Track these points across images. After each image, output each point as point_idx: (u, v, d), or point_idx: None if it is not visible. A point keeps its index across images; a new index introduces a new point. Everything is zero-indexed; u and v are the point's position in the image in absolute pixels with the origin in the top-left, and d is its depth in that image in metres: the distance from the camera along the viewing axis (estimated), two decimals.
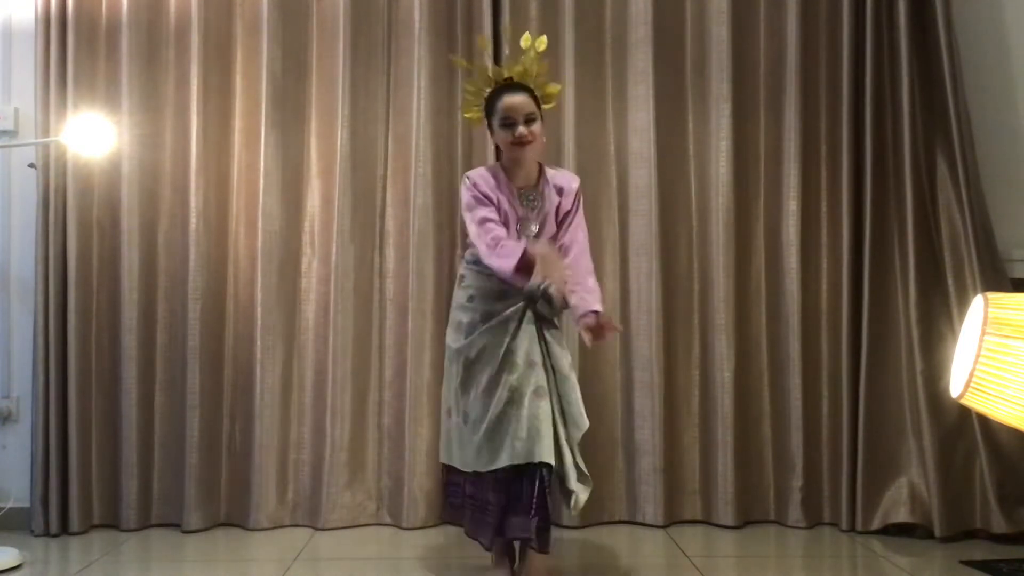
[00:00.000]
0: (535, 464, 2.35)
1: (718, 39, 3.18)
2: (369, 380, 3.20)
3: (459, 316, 2.52)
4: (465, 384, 2.46)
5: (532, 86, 2.53)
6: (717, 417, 3.15)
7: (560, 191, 2.55)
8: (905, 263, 3.06)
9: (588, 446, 3.14)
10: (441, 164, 3.20)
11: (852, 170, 3.11)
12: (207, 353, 3.13)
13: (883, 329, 3.07)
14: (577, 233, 2.55)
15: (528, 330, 2.44)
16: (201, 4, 3.13)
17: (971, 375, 2.00)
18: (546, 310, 2.47)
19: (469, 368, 2.45)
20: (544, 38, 2.58)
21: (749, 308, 3.21)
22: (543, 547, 2.42)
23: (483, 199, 2.48)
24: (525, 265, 2.31)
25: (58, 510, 3.04)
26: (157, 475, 3.15)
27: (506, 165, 2.57)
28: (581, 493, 2.43)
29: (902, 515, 3.01)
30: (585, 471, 2.47)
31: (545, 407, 2.39)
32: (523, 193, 2.54)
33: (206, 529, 3.11)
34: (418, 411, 3.12)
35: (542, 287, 2.40)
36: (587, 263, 2.52)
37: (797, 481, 3.14)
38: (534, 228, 2.54)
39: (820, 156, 3.19)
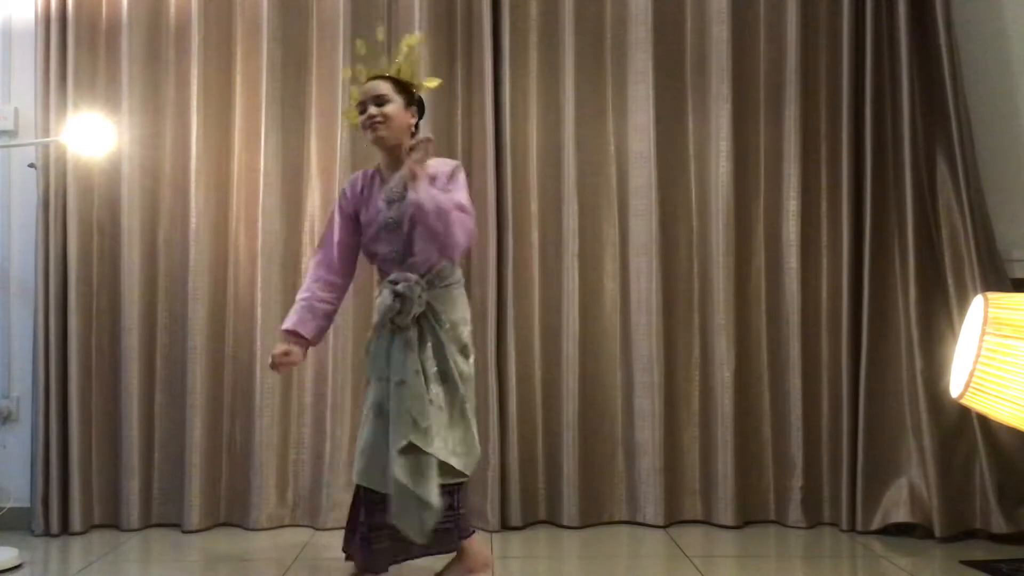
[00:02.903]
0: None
1: (718, 39, 3.18)
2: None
3: None
4: None
5: (397, 77, 2.45)
6: (717, 417, 3.15)
7: (434, 180, 2.34)
8: (905, 263, 3.06)
9: (589, 446, 3.16)
10: None
11: (852, 170, 3.11)
12: (207, 353, 3.14)
13: (883, 329, 3.07)
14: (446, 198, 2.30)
15: (385, 343, 2.36)
16: (201, 4, 3.13)
17: (971, 375, 2.00)
18: (396, 318, 2.32)
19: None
20: (417, 35, 2.56)
21: (749, 308, 3.21)
22: (366, 566, 2.39)
23: (334, 218, 2.52)
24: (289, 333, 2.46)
25: (58, 510, 3.04)
26: (157, 475, 3.15)
27: (382, 163, 2.50)
28: (405, 529, 2.24)
29: (902, 515, 3.01)
30: (422, 496, 2.23)
31: (375, 427, 2.32)
32: (391, 192, 2.42)
33: (206, 529, 3.12)
34: None
35: (395, 289, 2.31)
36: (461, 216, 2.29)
37: (797, 481, 3.14)
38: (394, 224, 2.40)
39: (820, 156, 3.19)
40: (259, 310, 3.13)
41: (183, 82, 3.17)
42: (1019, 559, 2.75)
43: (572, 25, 3.19)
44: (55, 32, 3.08)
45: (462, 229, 2.30)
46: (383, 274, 2.47)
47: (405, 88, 2.46)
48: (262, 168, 3.15)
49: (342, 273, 2.52)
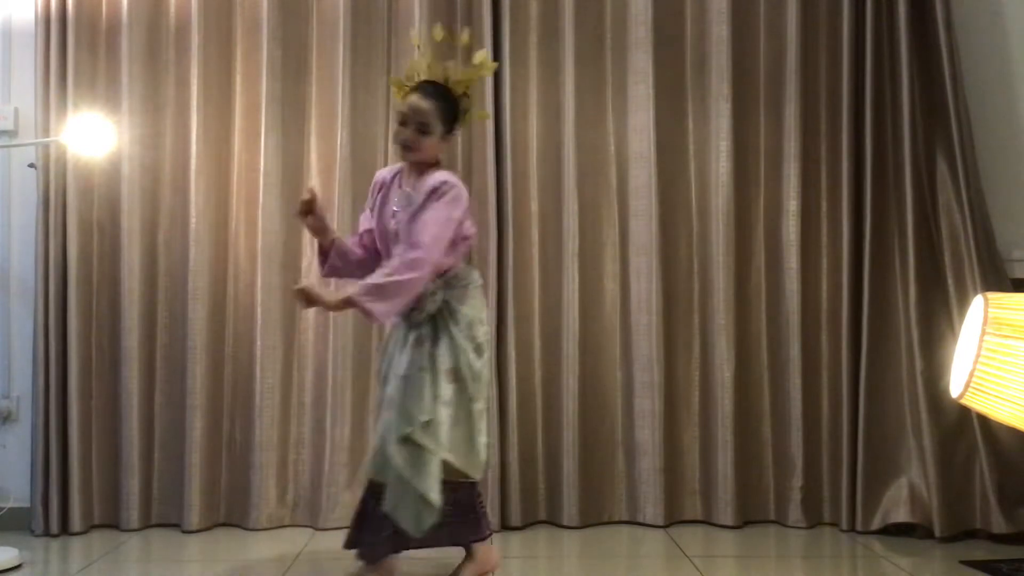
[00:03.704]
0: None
1: (718, 39, 3.18)
2: (369, 380, 3.19)
3: None
4: None
5: (456, 94, 2.41)
6: (717, 417, 3.15)
7: (408, 197, 2.42)
8: (905, 263, 3.06)
9: (589, 446, 3.16)
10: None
11: (852, 170, 3.12)
12: (207, 353, 3.13)
13: (883, 329, 3.08)
14: (412, 226, 2.31)
15: (401, 339, 2.41)
16: (201, 4, 3.13)
17: (971, 375, 2.01)
18: (411, 314, 2.36)
19: None
20: (487, 61, 2.50)
21: (749, 308, 3.21)
22: (368, 558, 2.40)
23: (368, 203, 2.56)
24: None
25: (58, 510, 3.04)
26: (157, 475, 3.15)
27: (405, 166, 2.48)
28: (400, 520, 2.26)
29: (902, 515, 3.01)
30: (420, 489, 2.25)
31: (382, 423, 2.35)
32: (402, 196, 2.43)
33: (206, 529, 3.11)
34: None
35: None
36: (408, 257, 2.26)
37: (797, 481, 3.14)
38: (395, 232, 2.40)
39: (820, 156, 3.19)
40: (259, 310, 3.13)
41: (183, 82, 3.16)
42: (1019, 559, 2.75)
43: (572, 25, 3.19)
44: (55, 32, 3.08)
45: (409, 284, 2.25)
46: None
47: (449, 114, 2.40)
48: (262, 168, 3.15)
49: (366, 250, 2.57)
